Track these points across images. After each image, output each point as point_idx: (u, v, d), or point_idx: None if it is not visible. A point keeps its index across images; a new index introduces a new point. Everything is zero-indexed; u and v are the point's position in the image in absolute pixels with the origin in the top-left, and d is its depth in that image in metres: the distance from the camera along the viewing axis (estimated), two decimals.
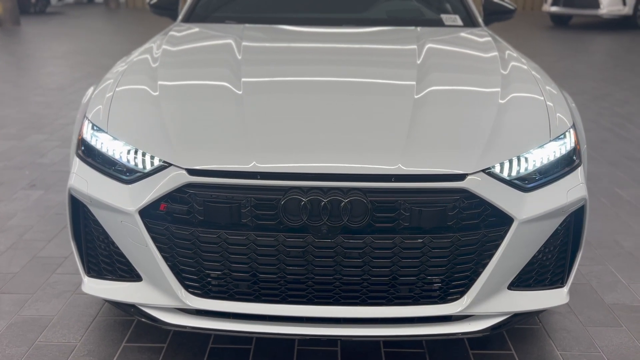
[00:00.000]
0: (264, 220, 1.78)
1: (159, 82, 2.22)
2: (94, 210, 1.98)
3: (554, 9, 12.05)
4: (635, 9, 11.59)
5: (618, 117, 5.41)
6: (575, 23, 12.67)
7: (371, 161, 1.80)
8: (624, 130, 5.02)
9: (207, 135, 1.92)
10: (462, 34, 3.00)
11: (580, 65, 8.24)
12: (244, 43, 2.66)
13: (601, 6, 11.51)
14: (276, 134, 1.92)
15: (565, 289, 2.05)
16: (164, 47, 2.62)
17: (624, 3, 11.50)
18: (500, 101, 2.10)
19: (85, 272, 2.09)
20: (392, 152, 1.82)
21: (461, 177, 1.79)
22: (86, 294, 2.08)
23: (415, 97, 2.10)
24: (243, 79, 2.22)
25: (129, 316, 2.32)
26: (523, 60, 2.59)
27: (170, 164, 1.84)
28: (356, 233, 1.77)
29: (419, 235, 1.78)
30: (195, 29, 3.07)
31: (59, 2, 15.85)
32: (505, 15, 3.36)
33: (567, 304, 2.37)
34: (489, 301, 1.91)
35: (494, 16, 3.35)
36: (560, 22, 12.49)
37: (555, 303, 2.02)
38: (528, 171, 1.91)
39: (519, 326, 2.29)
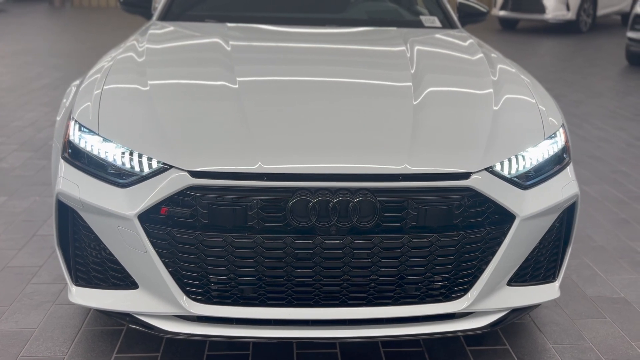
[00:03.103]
0: (271, 222, 1.74)
1: (150, 81, 2.14)
2: (85, 216, 1.88)
3: (502, 13, 12.43)
4: (578, 14, 12.12)
5: (575, 117, 5.62)
6: (522, 27, 13.09)
7: (378, 161, 1.79)
8: (582, 130, 5.22)
9: (208, 135, 1.87)
10: (445, 36, 3.03)
11: (532, 67, 8.51)
12: (232, 42, 2.60)
13: (547, 11, 11.98)
14: (279, 133, 1.88)
15: (557, 284, 2.11)
16: (148, 45, 2.53)
17: (568, 8, 12.01)
18: (495, 103, 2.14)
19: (73, 281, 1.99)
20: (398, 152, 1.82)
21: (466, 175, 1.81)
22: (69, 304, 1.98)
23: (415, 98, 2.10)
24: (238, 78, 2.17)
25: (117, 325, 2.22)
26: (507, 61, 2.64)
27: (170, 166, 1.78)
28: (365, 233, 1.76)
29: (427, 234, 1.79)
30: (176, 27, 2.98)
31: None
32: (478, 18, 3.43)
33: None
34: (490, 298, 1.94)
35: (468, 18, 3.41)
36: (508, 25, 12.89)
37: (549, 297, 2.08)
38: (526, 169, 1.95)
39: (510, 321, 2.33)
